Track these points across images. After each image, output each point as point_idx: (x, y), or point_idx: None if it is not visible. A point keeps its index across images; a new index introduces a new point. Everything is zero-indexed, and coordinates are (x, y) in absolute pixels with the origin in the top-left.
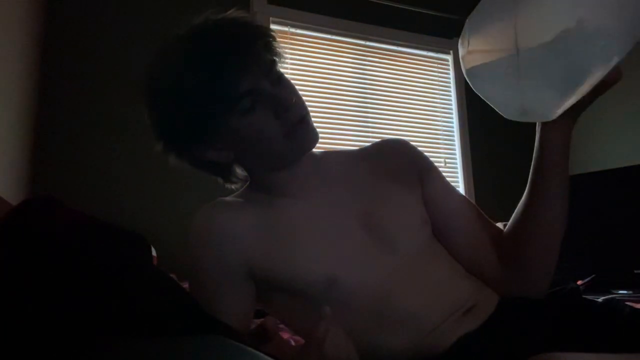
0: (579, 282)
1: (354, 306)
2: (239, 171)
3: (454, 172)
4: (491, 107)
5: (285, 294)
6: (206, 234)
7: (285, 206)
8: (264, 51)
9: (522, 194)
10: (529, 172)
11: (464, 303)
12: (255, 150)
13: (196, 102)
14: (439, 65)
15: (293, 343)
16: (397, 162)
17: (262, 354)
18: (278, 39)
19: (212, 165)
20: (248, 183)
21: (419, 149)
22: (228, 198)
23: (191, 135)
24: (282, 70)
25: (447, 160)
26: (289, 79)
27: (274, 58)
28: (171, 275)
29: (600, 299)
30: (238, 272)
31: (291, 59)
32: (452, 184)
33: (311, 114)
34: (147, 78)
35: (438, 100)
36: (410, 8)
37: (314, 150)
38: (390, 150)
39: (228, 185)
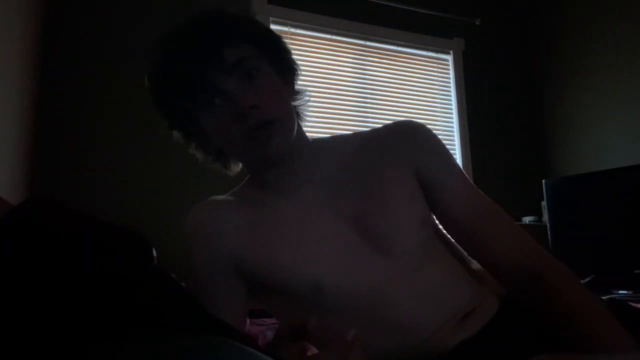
0: None
1: (342, 311)
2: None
3: None
4: (491, 106)
5: (274, 294)
6: (194, 233)
7: (275, 205)
8: (232, 46)
9: (522, 194)
10: (528, 172)
11: (462, 307)
12: (224, 146)
13: (165, 93)
14: (439, 65)
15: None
16: (399, 150)
17: (261, 354)
18: (274, 36)
19: (204, 150)
20: (246, 178)
21: (434, 137)
22: (221, 196)
23: (174, 120)
24: (262, 69)
25: None
26: (269, 79)
27: (248, 53)
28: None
29: (602, 299)
30: (226, 271)
31: None
32: None
33: (310, 114)
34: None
35: (438, 100)
36: (410, 8)
37: (315, 139)
38: (398, 136)
39: (226, 172)
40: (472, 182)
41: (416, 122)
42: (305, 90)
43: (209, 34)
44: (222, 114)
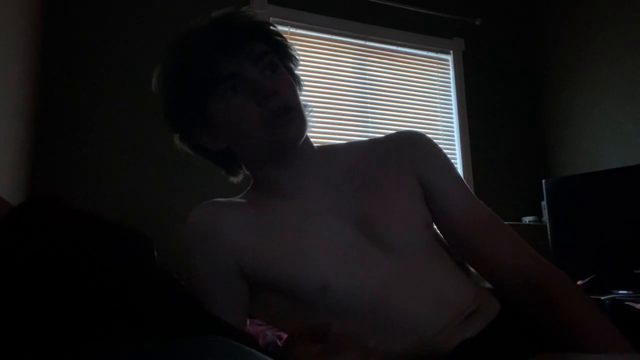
0: (579, 282)
1: (349, 312)
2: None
3: None
4: (491, 107)
5: (277, 295)
6: (195, 232)
7: (280, 207)
8: (257, 40)
9: (522, 194)
10: (528, 172)
11: (465, 308)
12: (239, 137)
13: (183, 84)
14: (439, 65)
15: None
16: (402, 157)
17: (262, 354)
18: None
19: (210, 153)
20: (251, 183)
21: (436, 145)
22: (223, 199)
23: (184, 118)
24: (282, 67)
25: None
26: (287, 74)
27: (269, 49)
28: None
29: (602, 299)
30: (228, 271)
31: None
32: None
33: (311, 114)
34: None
35: (438, 100)
36: (410, 8)
37: (319, 145)
38: (399, 144)
39: (231, 178)
40: (473, 192)
41: (420, 133)
42: (309, 105)
43: (238, 27)
44: (245, 99)
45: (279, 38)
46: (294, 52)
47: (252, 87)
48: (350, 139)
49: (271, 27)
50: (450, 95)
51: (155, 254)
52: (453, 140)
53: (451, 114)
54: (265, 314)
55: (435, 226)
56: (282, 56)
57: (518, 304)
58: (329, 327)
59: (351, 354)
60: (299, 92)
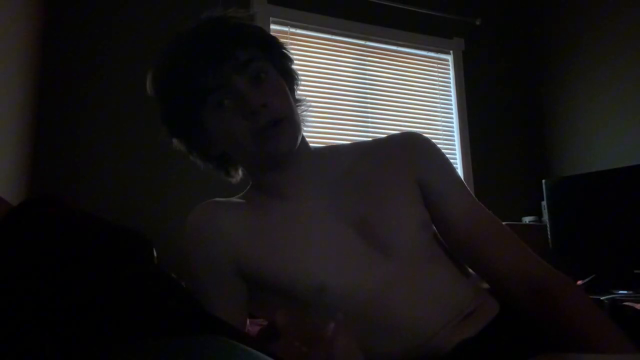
0: (579, 282)
1: (346, 313)
2: (240, 169)
3: None
4: (491, 106)
5: (275, 294)
6: (195, 232)
7: (278, 208)
8: (240, 48)
9: (522, 194)
10: (528, 172)
11: (463, 309)
12: (232, 147)
13: (173, 95)
14: (439, 65)
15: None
16: (402, 159)
17: (262, 354)
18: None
19: (207, 157)
20: (250, 185)
21: (435, 146)
22: (223, 199)
23: (178, 124)
24: (270, 70)
25: None
26: (276, 80)
27: (256, 55)
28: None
29: (602, 299)
30: (226, 271)
31: None
32: None
33: (310, 115)
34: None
35: (438, 100)
36: (410, 8)
37: (317, 146)
38: (399, 146)
39: (228, 179)
40: (473, 193)
41: (419, 134)
42: (306, 100)
43: (220, 35)
44: (232, 113)
45: (267, 39)
46: (285, 50)
47: (239, 101)
48: (350, 139)
49: (256, 30)
50: (450, 95)
51: (155, 255)
52: (453, 140)
53: (451, 114)
54: (266, 313)
55: (435, 228)
56: (272, 57)
57: (520, 306)
58: (277, 321)
59: (314, 348)
60: (295, 91)
